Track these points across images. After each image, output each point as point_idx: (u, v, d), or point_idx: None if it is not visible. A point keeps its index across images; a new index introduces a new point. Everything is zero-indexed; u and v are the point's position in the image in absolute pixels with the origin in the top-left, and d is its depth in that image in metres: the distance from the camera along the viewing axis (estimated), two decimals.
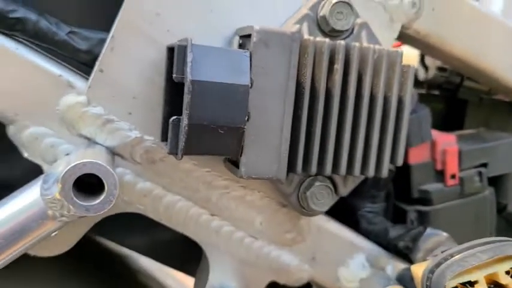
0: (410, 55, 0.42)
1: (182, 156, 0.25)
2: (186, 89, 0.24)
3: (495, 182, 0.41)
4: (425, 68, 0.44)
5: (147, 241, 0.37)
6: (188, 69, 0.23)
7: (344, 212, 0.36)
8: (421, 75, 0.44)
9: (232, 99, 0.25)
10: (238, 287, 0.32)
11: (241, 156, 0.26)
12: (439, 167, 0.38)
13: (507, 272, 0.27)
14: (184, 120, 0.24)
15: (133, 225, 0.34)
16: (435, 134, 0.39)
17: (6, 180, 0.31)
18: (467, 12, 0.35)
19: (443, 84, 0.44)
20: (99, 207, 0.25)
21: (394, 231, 0.37)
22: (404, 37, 0.34)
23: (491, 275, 0.26)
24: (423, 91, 0.45)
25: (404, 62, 0.38)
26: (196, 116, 0.24)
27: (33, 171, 0.30)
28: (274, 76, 0.26)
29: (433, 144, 0.38)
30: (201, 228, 0.31)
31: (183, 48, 0.24)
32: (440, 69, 0.43)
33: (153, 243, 0.37)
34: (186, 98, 0.23)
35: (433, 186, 0.38)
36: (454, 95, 0.44)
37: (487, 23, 0.36)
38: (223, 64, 0.25)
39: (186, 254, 0.36)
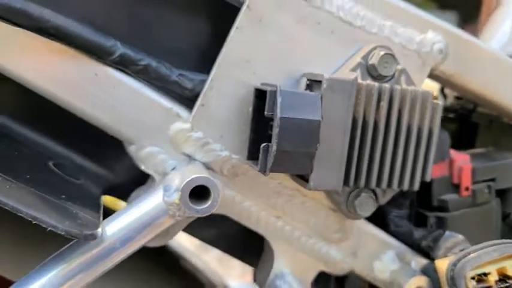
0: (432, 85, 0.50)
1: (268, 174, 0.33)
2: (275, 124, 0.31)
3: (501, 194, 0.49)
4: (444, 96, 0.52)
5: (215, 233, 0.45)
6: (278, 109, 0.31)
7: (377, 216, 0.44)
8: (441, 102, 0.52)
9: (308, 131, 0.33)
10: (295, 274, 0.40)
11: (311, 173, 0.34)
12: (455, 180, 0.46)
13: None
14: (273, 147, 0.32)
15: (205, 220, 0.40)
16: (453, 153, 0.46)
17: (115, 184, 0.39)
18: (485, 56, 0.42)
19: (458, 109, 0.52)
20: (206, 210, 0.33)
21: (418, 233, 0.45)
22: (431, 76, 0.42)
23: (501, 269, 0.34)
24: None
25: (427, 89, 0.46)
26: (282, 144, 0.32)
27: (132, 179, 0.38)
28: (337, 112, 0.34)
29: (451, 162, 0.46)
30: (269, 227, 0.39)
31: (274, 93, 0.32)
32: (457, 98, 0.51)
33: (220, 235, 0.45)
34: (275, 130, 0.31)
35: (450, 197, 0.46)
36: (467, 119, 0.52)
37: (500, 65, 0.43)
38: (302, 104, 0.33)
39: (247, 247, 0.44)
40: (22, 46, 0.31)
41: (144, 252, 0.38)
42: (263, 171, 0.33)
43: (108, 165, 0.39)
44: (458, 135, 0.54)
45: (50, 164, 0.35)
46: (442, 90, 0.52)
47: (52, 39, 0.31)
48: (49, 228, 0.27)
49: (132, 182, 0.39)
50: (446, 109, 0.53)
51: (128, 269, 0.46)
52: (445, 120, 0.54)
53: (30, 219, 0.26)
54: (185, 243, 0.71)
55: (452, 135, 0.54)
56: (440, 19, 0.41)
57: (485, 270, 0.34)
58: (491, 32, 0.82)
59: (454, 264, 0.35)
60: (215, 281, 0.70)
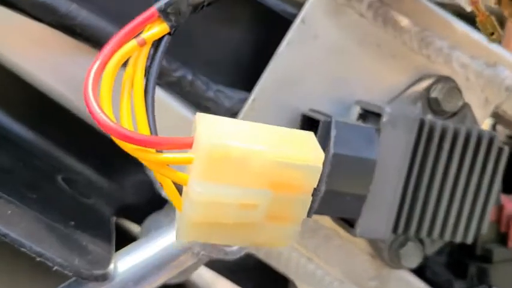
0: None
1: (311, 216, 0.28)
2: (327, 160, 0.27)
3: None
4: (494, 130, 0.47)
5: (231, 264, 0.40)
6: (332, 144, 0.27)
7: None
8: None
9: (361, 170, 0.28)
10: None
11: (358, 218, 0.29)
12: (502, 229, 0.42)
13: None
14: (322, 186, 0.27)
15: None
16: (504, 199, 0.42)
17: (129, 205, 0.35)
18: None
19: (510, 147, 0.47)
20: (237, 253, 0.28)
21: (458, 285, 0.40)
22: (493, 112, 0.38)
23: None
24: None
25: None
26: (332, 183, 0.27)
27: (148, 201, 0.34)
28: (395, 151, 0.29)
29: (500, 209, 0.42)
30: (298, 269, 0.35)
31: (328, 124, 0.28)
32: (509, 137, 0.46)
33: (238, 267, 0.40)
34: (327, 168, 0.27)
35: (495, 246, 0.42)
36: None
37: None
38: (357, 139, 0.28)
39: (267, 283, 0.40)
40: (46, 45, 0.27)
41: None
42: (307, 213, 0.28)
43: (122, 183, 0.35)
44: (508, 177, 0.50)
45: (59, 178, 0.31)
46: (493, 127, 0.47)
47: (78, 39, 0.27)
48: (55, 268, 0.22)
49: (148, 204, 0.34)
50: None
51: None
52: None
53: (34, 255, 0.22)
54: None
55: (505, 177, 0.49)
56: None
57: None
58: None
59: None
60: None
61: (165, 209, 0.34)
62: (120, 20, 0.28)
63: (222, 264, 0.40)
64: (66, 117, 0.30)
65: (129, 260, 0.27)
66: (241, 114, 0.30)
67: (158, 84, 0.29)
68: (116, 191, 0.35)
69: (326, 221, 0.34)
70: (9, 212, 0.23)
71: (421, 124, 0.30)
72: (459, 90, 0.33)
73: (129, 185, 0.35)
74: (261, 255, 0.34)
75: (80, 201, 0.30)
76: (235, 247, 0.28)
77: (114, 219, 0.32)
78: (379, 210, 0.30)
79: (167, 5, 0.23)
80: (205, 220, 0.20)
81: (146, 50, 0.23)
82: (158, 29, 0.23)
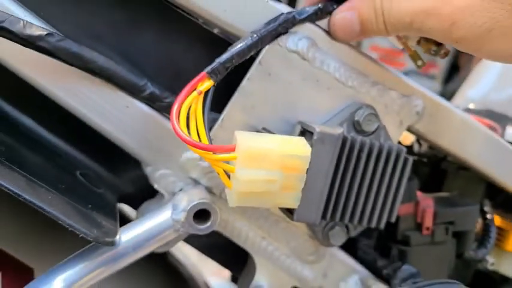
0: (409, 134, 0.57)
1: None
2: None
3: (458, 235, 0.56)
4: (420, 144, 0.59)
5: (208, 243, 0.51)
6: None
7: (348, 242, 0.51)
8: (416, 148, 0.59)
9: None
10: (272, 286, 0.47)
11: (296, 208, 0.41)
12: (418, 220, 0.53)
13: None
14: None
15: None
16: (419, 196, 0.54)
17: (128, 194, 0.46)
18: (455, 119, 0.50)
19: (431, 157, 0.59)
20: (206, 230, 0.40)
21: (381, 262, 0.52)
22: (408, 130, 0.49)
23: None
24: (416, 158, 0.61)
25: (405, 138, 0.54)
26: None
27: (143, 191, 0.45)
28: (323, 159, 0.40)
29: (417, 204, 0.53)
30: (254, 245, 0.46)
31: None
32: (430, 147, 0.58)
33: (213, 247, 0.52)
34: None
35: (412, 233, 0.53)
36: (438, 165, 0.60)
37: (467, 128, 0.51)
38: None
39: (234, 259, 0.51)
40: (71, 79, 0.38)
41: None
42: None
43: (124, 177, 0.46)
44: (430, 179, 0.62)
45: (78, 173, 0.42)
46: (418, 140, 0.59)
47: (96, 76, 0.38)
48: (81, 235, 0.33)
49: (142, 193, 0.45)
50: (421, 155, 0.61)
51: None
52: (420, 164, 0.61)
53: (67, 226, 0.33)
54: None
55: (425, 178, 0.61)
56: None
57: None
58: (476, 79, 0.89)
59: None
60: (196, 276, 0.77)
61: (156, 197, 0.45)
62: (126, 64, 0.39)
63: (201, 243, 0.52)
64: (80, 126, 0.41)
65: (129, 233, 0.39)
66: (213, 130, 0.42)
67: (153, 107, 0.40)
68: (119, 183, 0.46)
69: (275, 209, 0.45)
70: (50, 197, 0.34)
71: (344, 140, 0.41)
72: (376, 115, 0.44)
73: (129, 179, 0.46)
74: (227, 234, 0.45)
75: (93, 190, 0.41)
76: (205, 226, 0.39)
77: (117, 204, 0.43)
78: (311, 202, 0.41)
79: (212, 69, 0.37)
80: (245, 191, 0.35)
81: (202, 96, 0.37)
82: (207, 84, 0.37)
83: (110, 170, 0.45)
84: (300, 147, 0.36)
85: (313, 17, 0.42)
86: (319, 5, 0.42)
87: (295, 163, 0.35)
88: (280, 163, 0.34)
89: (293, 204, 0.37)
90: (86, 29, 0.40)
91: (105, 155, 0.45)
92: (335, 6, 0.42)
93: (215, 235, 0.46)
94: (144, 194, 0.45)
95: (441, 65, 3.22)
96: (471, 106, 0.78)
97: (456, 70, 2.53)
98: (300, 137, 0.37)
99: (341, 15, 0.42)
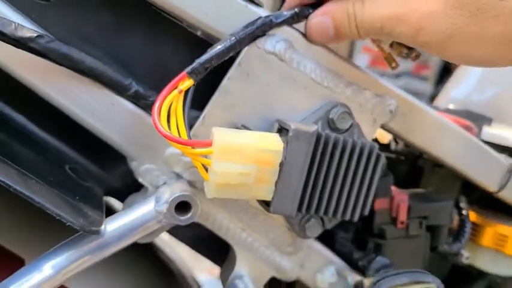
0: (385, 133, 0.59)
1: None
2: None
3: (432, 229, 0.59)
4: (396, 142, 0.62)
5: (192, 235, 0.54)
6: None
7: (327, 236, 0.54)
8: (393, 146, 0.62)
9: None
10: (251, 276, 0.50)
11: (272, 200, 0.43)
12: (393, 214, 0.56)
13: None
14: None
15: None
16: (394, 191, 0.56)
17: (115, 188, 0.48)
18: (427, 119, 0.52)
19: (407, 154, 0.62)
20: (187, 220, 0.42)
21: (357, 254, 0.55)
22: (383, 128, 0.52)
23: None
24: (393, 156, 0.63)
25: (383, 136, 0.56)
26: None
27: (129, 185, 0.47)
28: (298, 155, 0.43)
29: (392, 199, 0.56)
30: (235, 237, 0.48)
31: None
32: (406, 145, 0.60)
33: (196, 238, 0.54)
34: None
35: (387, 227, 0.56)
36: (414, 163, 0.62)
37: (440, 127, 0.53)
38: None
39: (216, 250, 0.54)
40: (60, 78, 0.40)
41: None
42: None
43: (110, 172, 0.48)
44: (407, 176, 0.64)
45: (67, 167, 0.44)
46: (394, 138, 0.62)
47: (84, 75, 0.40)
48: (68, 224, 0.36)
49: (127, 187, 0.48)
50: (398, 152, 0.63)
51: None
52: (397, 162, 0.64)
53: (55, 216, 0.35)
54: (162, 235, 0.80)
55: (403, 175, 0.64)
56: None
57: None
58: (458, 80, 0.92)
59: (374, 283, 0.45)
60: (186, 273, 0.80)
61: (141, 191, 0.47)
62: (113, 65, 0.42)
63: (185, 236, 0.54)
64: (70, 123, 0.43)
65: (114, 224, 0.41)
66: (195, 127, 0.44)
67: (138, 105, 0.43)
68: (106, 177, 0.48)
69: (254, 202, 0.48)
70: (38, 188, 0.36)
71: (318, 137, 0.44)
72: (350, 114, 0.46)
73: (116, 173, 0.49)
74: (208, 226, 0.48)
75: (80, 183, 0.44)
76: (186, 217, 0.42)
77: (104, 197, 0.46)
78: (287, 196, 0.43)
79: (192, 69, 0.40)
80: (221, 183, 0.37)
81: (182, 94, 0.39)
82: (187, 83, 0.39)
83: (97, 165, 0.48)
84: (273, 142, 0.38)
85: (290, 21, 0.44)
86: (296, 10, 0.45)
87: (268, 157, 0.37)
88: (254, 157, 0.37)
89: (267, 196, 0.39)
90: (75, 31, 0.43)
91: (93, 150, 0.47)
92: (311, 11, 0.45)
93: (198, 228, 0.49)
94: (130, 188, 0.48)
95: (433, 66, 3.27)
96: (451, 106, 0.81)
97: (448, 72, 2.57)
98: (274, 133, 0.40)
99: (316, 19, 0.44)
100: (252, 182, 0.38)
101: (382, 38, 0.46)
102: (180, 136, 0.38)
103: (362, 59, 3.09)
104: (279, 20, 0.44)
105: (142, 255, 0.70)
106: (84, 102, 0.42)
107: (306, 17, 0.45)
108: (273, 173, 0.38)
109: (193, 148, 0.36)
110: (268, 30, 0.43)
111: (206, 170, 0.38)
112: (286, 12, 0.44)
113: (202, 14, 0.43)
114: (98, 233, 0.38)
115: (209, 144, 0.36)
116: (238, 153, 0.36)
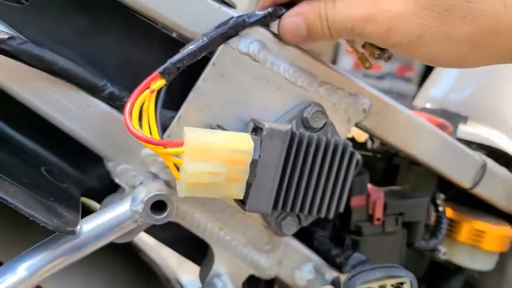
0: (362, 132, 0.60)
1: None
2: None
3: (408, 226, 0.60)
4: (372, 140, 0.63)
5: (171, 236, 0.54)
6: None
7: (304, 233, 0.55)
8: (369, 145, 0.63)
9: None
10: (229, 275, 0.50)
11: (247, 198, 0.44)
12: (370, 211, 0.57)
13: (392, 285, 0.46)
14: None
15: (163, 225, 0.49)
16: (371, 188, 0.57)
17: (92, 189, 0.49)
18: (401, 117, 0.53)
19: (383, 152, 0.63)
20: (162, 220, 0.42)
21: (335, 251, 0.55)
22: (357, 127, 0.53)
23: (382, 286, 0.45)
24: (370, 154, 0.64)
25: (359, 135, 0.57)
26: None
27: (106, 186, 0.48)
28: (273, 154, 0.44)
29: (368, 196, 0.57)
30: (213, 236, 0.49)
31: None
32: (382, 143, 0.61)
33: (174, 238, 0.54)
34: None
35: (364, 224, 0.57)
36: (390, 161, 0.63)
37: (413, 126, 0.54)
38: None
39: (195, 249, 0.54)
40: (35, 80, 0.41)
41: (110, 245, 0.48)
42: None
43: (88, 173, 0.48)
44: (384, 174, 0.66)
45: (43, 169, 0.44)
46: (370, 137, 0.63)
47: (58, 77, 0.40)
48: (41, 224, 0.36)
49: (105, 188, 0.48)
50: (374, 151, 0.64)
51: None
52: (373, 160, 0.65)
53: (29, 216, 0.36)
54: (146, 238, 0.81)
55: (380, 173, 0.65)
56: None
57: (371, 285, 0.45)
58: (437, 80, 0.94)
59: (349, 279, 0.45)
60: (169, 275, 0.80)
61: (119, 191, 0.47)
62: (88, 66, 0.42)
63: (164, 236, 0.55)
64: (46, 125, 0.43)
65: (90, 224, 0.41)
66: (170, 128, 0.44)
67: (113, 106, 0.43)
68: (83, 179, 0.48)
69: (231, 201, 0.48)
70: (12, 189, 0.37)
71: (292, 136, 0.45)
72: (323, 113, 0.47)
73: (93, 174, 0.49)
74: (186, 225, 0.48)
75: (56, 185, 0.44)
76: (161, 216, 0.42)
77: (80, 198, 0.46)
78: (262, 194, 0.44)
79: (164, 69, 0.40)
80: (192, 182, 0.37)
81: (154, 94, 0.39)
82: (159, 83, 0.40)
83: (74, 166, 0.48)
84: (244, 142, 0.39)
85: (263, 20, 0.45)
86: (269, 9, 0.45)
87: (239, 157, 0.38)
88: (225, 157, 0.37)
89: (238, 194, 0.40)
90: (50, 33, 0.43)
91: (70, 152, 0.47)
92: (284, 11, 0.45)
93: (177, 228, 0.49)
94: (108, 189, 0.48)
95: (417, 68, 3.31)
96: (428, 105, 0.82)
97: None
98: (245, 133, 0.40)
99: (289, 19, 0.45)
100: (223, 181, 0.38)
101: (354, 38, 0.47)
102: (151, 136, 0.38)
103: (346, 61, 3.12)
104: (252, 20, 0.44)
105: (126, 257, 0.71)
106: (59, 104, 0.42)
107: (279, 16, 0.46)
108: (244, 172, 0.39)
109: (165, 148, 0.37)
110: (241, 30, 0.44)
111: (178, 169, 0.38)
112: (259, 12, 0.45)
113: (175, 15, 0.43)
114: (73, 233, 0.39)
115: (181, 144, 0.36)
116: (209, 153, 0.36)
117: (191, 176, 0.37)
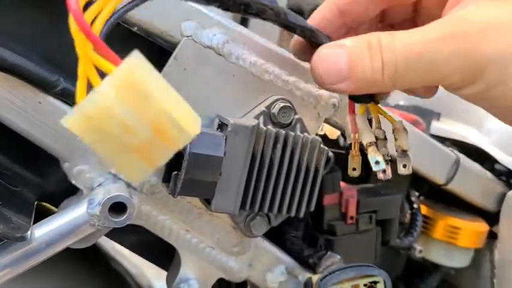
0: (334, 129, 0.59)
1: (177, 196, 0.40)
2: (185, 157, 0.39)
3: (382, 223, 0.58)
4: (344, 137, 0.61)
5: (136, 241, 0.52)
6: (188, 146, 0.39)
7: (276, 234, 0.53)
8: (341, 142, 0.62)
9: (212, 164, 0.40)
10: (198, 279, 0.48)
11: (213, 198, 0.42)
12: (343, 210, 0.55)
13: (365, 285, 0.44)
14: (182, 175, 0.39)
15: (126, 229, 0.47)
16: (343, 186, 0.56)
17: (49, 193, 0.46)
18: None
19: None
20: (122, 222, 0.40)
21: (307, 251, 0.54)
22: (328, 123, 0.51)
23: (355, 285, 0.44)
24: (343, 151, 0.63)
25: (331, 132, 0.56)
26: (188, 174, 0.39)
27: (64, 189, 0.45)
28: (238, 151, 0.42)
29: (340, 194, 0.55)
30: (179, 239, 0.47)
31: None
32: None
33: (139, 243, 0.52)
34: (184, 163, 0.39)
35: (337, 223, 0.55)
36: (363, 158, 0.62)
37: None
38: (209, 142, 0.40)
39: (161, 254, 0.52)
40: None
41: (76, 253, 0.45)
42: (173, 194, 0.40)
43: (44, 176, 0.46)
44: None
45: None
46: (342, 134, 0.61)
47: (7, 73, 0.38)
48: None
49: (64, 192, 0.45)
50: (347, 148, 0.63)
51: (55, 268, 0.52)
52: (346, 157, 0.63)
53: None
54: (118, 247, 0.78)
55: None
56: None
57: (343, 286, 0.43)
58: None
59: (321, 279, 0.44)
60: (143, 284, 0.77)
61: (77, 195, 0.45)
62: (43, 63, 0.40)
63: (130, 241, 0.52)
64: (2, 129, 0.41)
65: (43, 229, 0.39)
66: None
67: (67, 103, 0.41)
68: (39, 182, 0.46)
69: (197, 202, 0.46)
70: None
71: (259, 132, 0.43)
72: (291, 108, 0.46)
73: (49, 178, 0.46)
74: (150, 228, 0.46)
75: (8, 188, 0.41)
76: (121, 218, 0.40)
77: (35, 203, 0.43)
78: (229, 192, 0.42)
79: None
80: (93, 116, 0.23)
81: None
82: None
83: (28, 169, 0.45)
84: (190, 122, 0.27)
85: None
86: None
87: (172, 134, 0.26)
88: (156, 121, 0.25)
89: (136, 176, 0.28)
90: (3, 30, 0.40)
91: (23, 153, 0.44)
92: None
93: (142, 231, 0.46)
94: (65, 192, 0.45)
95: None
96: (401, 102, 0.82)
97: None
98: (198, 117, 0.30)
99: (327, 50, 0.36)
100: (132, 146, 0.25)
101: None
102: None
103: None
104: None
105: (94, 267, 0.68)
106: (8, 101, 0.39)
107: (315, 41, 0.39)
108: (164, 155, 0.27)
109: (94, 50, 0.25)
110: None
111: (87, 91, 0.26)
112: None
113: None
114: (22, 239, 0.36)
115: (117, 63, 0.24)
116: (140, 100, 0.24)
117: (98, 107, 0.23)
